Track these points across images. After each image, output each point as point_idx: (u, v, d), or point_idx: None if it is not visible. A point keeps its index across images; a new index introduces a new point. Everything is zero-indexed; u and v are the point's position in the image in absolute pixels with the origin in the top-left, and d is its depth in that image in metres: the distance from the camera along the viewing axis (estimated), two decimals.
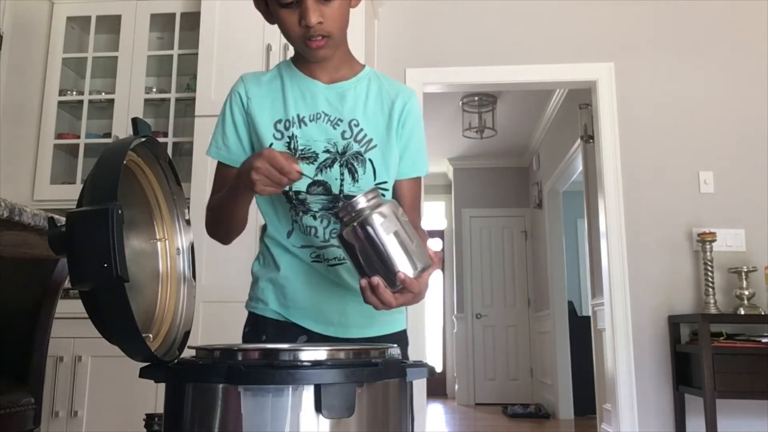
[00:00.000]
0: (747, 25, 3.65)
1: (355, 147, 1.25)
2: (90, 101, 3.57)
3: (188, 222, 1.08)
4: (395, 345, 0.99)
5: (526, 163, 7.47)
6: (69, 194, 3.35)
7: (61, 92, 3.56)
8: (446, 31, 3.81)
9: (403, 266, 0.96)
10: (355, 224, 0.96)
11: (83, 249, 0.79)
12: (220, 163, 1.31)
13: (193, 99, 3.24)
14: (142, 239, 1.02)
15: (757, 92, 3.58)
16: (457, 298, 7.39)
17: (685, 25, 3.69)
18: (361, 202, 0.97)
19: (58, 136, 3.52)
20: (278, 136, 1.25)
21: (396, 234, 0.96)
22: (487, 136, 5.92)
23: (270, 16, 1.24)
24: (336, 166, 1.24)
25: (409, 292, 0.99)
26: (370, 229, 0.95)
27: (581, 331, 5.53)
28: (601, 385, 4.31)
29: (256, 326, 1.29)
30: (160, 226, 1.05)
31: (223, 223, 1.27)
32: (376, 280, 0.97)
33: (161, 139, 3.37)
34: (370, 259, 0.97)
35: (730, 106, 3.59)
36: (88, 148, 3.52)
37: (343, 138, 1.25)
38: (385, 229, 0.95)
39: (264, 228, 1.34)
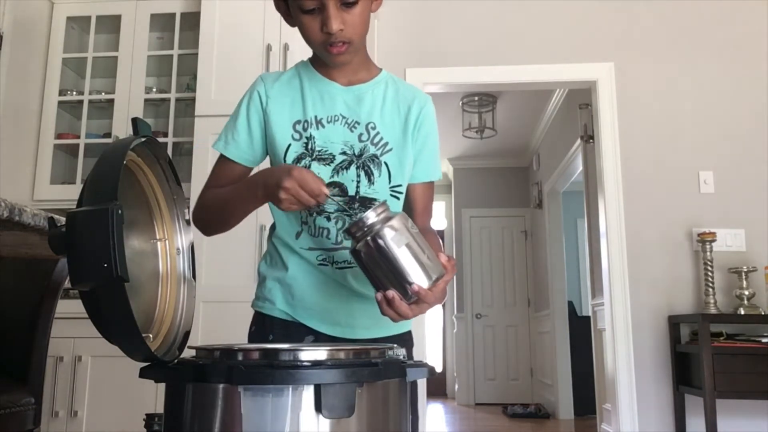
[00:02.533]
0: (747, 25, 3.65)
1: (372, 150, 1.26)
2: (90, 101, 3.57)
3: (188, 222, 1.08)
4: (396, 345, 0.99)
5: (526, 163, 7.48)
6: (69, 194, 3.35)
7: (61, 92, 3.56)
8: (446, 31, 3.82)
9: (417, 278, 0.97)
10: (367, 239, 0.97)
11: (83, 249, 0.79)
12: (223, 158, 1.31)
13: (193, 99, 3.24)
14: (142, 239, 1.02)
15: (757, 92, 3.58)
16: (457, 298, 7.39)
17: (685, 25, 3.69)
18: (371, 216, 0.97)
19: (58, 136, 3.53)
20: (296, 136, 1.26)
21: (408, 246, 0.97)
22: (487, 136, 5.92)
23: (290, 19, 1.25)
24: (353, 168, 1.25)
25: (425, 303, 1.00)
26: (381, 242, 0.96)
27: (581, 331, 5.53)
28: (601, 385, 4.31)
29: (263, 325, 1.29)
30: (160, 226, 1.05)
31: (217, 220, 1.28)
32: (391, 293, 0.98)
33: (161, 139, 3.37)
34: (383, 272, 0.98)
35: (731, 106, 3.59)
36: (88, 148, 3.52)
37: (360, 141, 1.26)
38: (396, 242, 0.96)
39: (272, 228, 1.34)
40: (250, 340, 1.31)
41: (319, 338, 1.27)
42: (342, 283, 1.27)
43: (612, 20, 3.74)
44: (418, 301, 0.99)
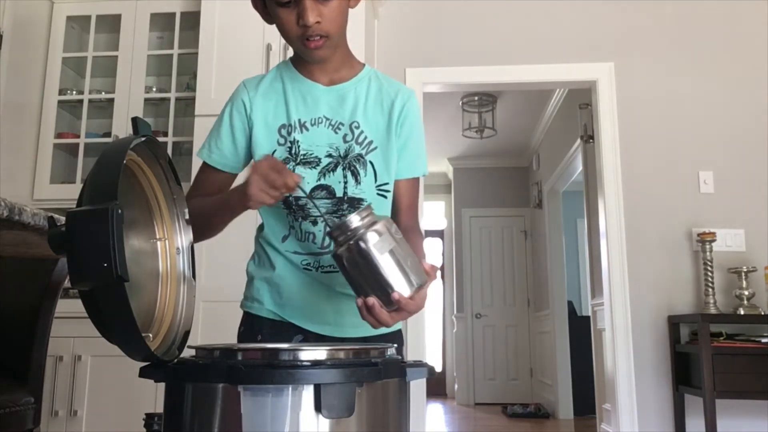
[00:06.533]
0: (747, 26, 3.65)
1: (357, 149, 1.25)
2: (90, 101, 3.57)
3: (188, 222, 1.08)
4: (394, 345, 0.99)
5: (526, 163, 7.48)
6: (69, 194, 3.34)
7: (61, 92, 3.56)
8: (446, 31, 3.81)
9: (399, 285, 0.95)
10: (350, 243, 0.95)
11: (83, 249, 0.79)
12: (206, 166, 1.31)
13: (193, 98, 3.24)
14: (142, 239, 1.02)
15: (756, 92, 3.58)
16: (457, 297, 7.39)
17: (685, 26, 3.69)
18: (355, 221, 0.96)
19: (58, 135, 3.52)
20: (281, 141, 1.25)
21: (391, 252, 0.95)
22: (487, 136, 5.92)
23: (268, 16, 1.24)
24: (339, 169, 1.24)
25: (405, 311, 0.98)
26: (365, 248, 0.94)
27: (581, 331, 5.53)
28: (601, 385, 4.31)
29: (252, 326, 1.29)
30: (160, 225, 1.05)
31: (200, 228, 1.23)
32: (372, 300, 0.96)
33: (161, 139, 3.37)
34: (365, 278, 0.96)
35: (731, 106, 3.59)
36: (88, 148, 3.52)
37: (345, 141, 1.25)
38: (379, 248, 0.94)
39: (259, 228, 1.34)
40: (240, 340, 1.30)
41: (308, 337, 1.26)
42: (329, 285, 1.26)
43: (612, 20, 3.74)
44: (398, 309, 0.98)
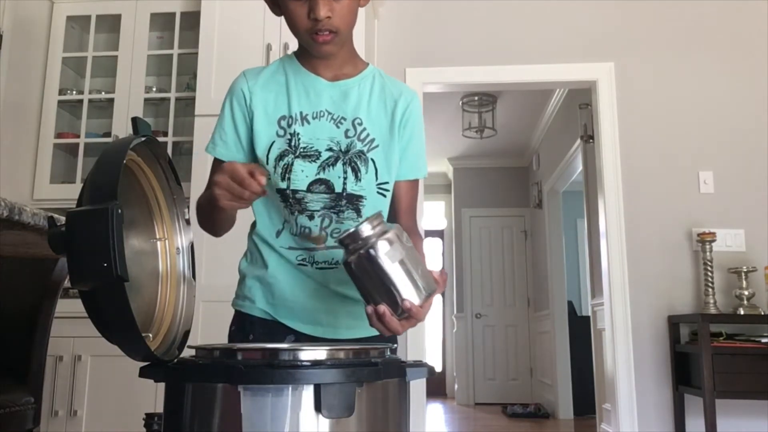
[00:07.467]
0: (747, 25, 3.65)
1: (359, 146, 1.24)
2: (90, 101, 3.57)
3: (188, 221, 1.08)
4: (395, 345, 0.99)
5: (525, 163, 7.48)
6: (69, 194, 3.34)
7: (61, 91, 3.56)
8: (446, 31, 3.81)
9: (409, 294, 0.95)
10: (360, 252, 0.95)
11: (83, 249, 0.79)
12: (216, 160, 1.30)
13: (193, 98, 3.23)
14: (142, 239, 1.02)
15: (757, 92, 3.58)
16: (457, 297, 7.39)
17: (685, 25, 3.69)
18: (367, 229, 0.95)
19: (58, 135, 3.53)
20: (281, 132, 1.24)
21: (401, 262, 0.95)
22: (487, 136, 5.92)
23: (276, 8, 1.24)
24: (339, 164, 1.23)
25: (414, 319, 0.99)
26: (376, 257, 0.94)
27: (581, 331, 5.53)
28: (601, 385, 4.31)
29: (243, 325, 1.28)
30: (160, 225, 1.05)
31: (209, 222, 1.27)
32: (383, 308, 0.96)
33: (161, 139, 3.37)
34: (376, 286, 0.96)
35: (730, 106, 3.59)
36: (88, 148, 3.52)
37: (347, 137, 1.24)
38: (390, 257, 0.94)
39: (252, 225, 1.32)
40: (231, 339, 1.29)
41: (300, 338, 1.25)
42: (323, 283, 1.25)
43: (612, 20, 3.74)
44: (408, 317, 0.98)
